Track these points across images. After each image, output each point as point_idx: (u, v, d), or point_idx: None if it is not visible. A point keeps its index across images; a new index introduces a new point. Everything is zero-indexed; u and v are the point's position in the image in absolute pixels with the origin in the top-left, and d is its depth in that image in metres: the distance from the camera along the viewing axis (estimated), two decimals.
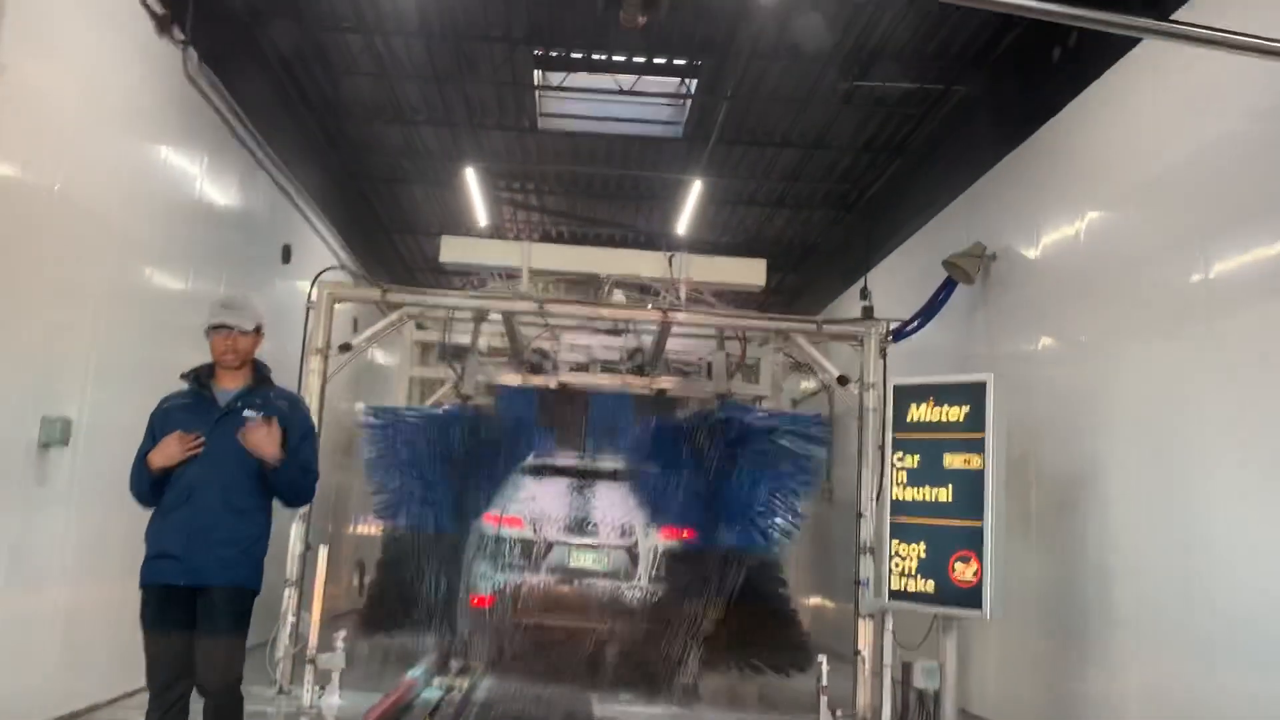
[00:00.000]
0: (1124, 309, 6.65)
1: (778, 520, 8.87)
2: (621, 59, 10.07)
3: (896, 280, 11.04)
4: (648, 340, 10.16)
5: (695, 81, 10.46)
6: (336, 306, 8.39)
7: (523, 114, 11.39)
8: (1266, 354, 5.24)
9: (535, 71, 10.54)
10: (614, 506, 8.86)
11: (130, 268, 6.94)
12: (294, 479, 4.37)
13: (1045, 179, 7.91)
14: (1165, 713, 5.86)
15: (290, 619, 7.58)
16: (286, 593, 7.63)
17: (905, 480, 6.95)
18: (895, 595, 6.92)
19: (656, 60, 9.99)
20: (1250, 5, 5.28)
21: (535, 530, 8.59)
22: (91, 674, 6.53)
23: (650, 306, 9.25)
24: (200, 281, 7.99)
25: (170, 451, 4.17)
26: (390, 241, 15.80)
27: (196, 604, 4.17)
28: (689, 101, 10.89)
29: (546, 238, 14.72)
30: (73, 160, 5.98)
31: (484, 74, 10.36)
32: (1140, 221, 6.63)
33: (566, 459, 9.50)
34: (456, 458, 9.28)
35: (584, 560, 8.52)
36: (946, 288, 8.98)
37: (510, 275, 10.26)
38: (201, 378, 4.41)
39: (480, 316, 9.95)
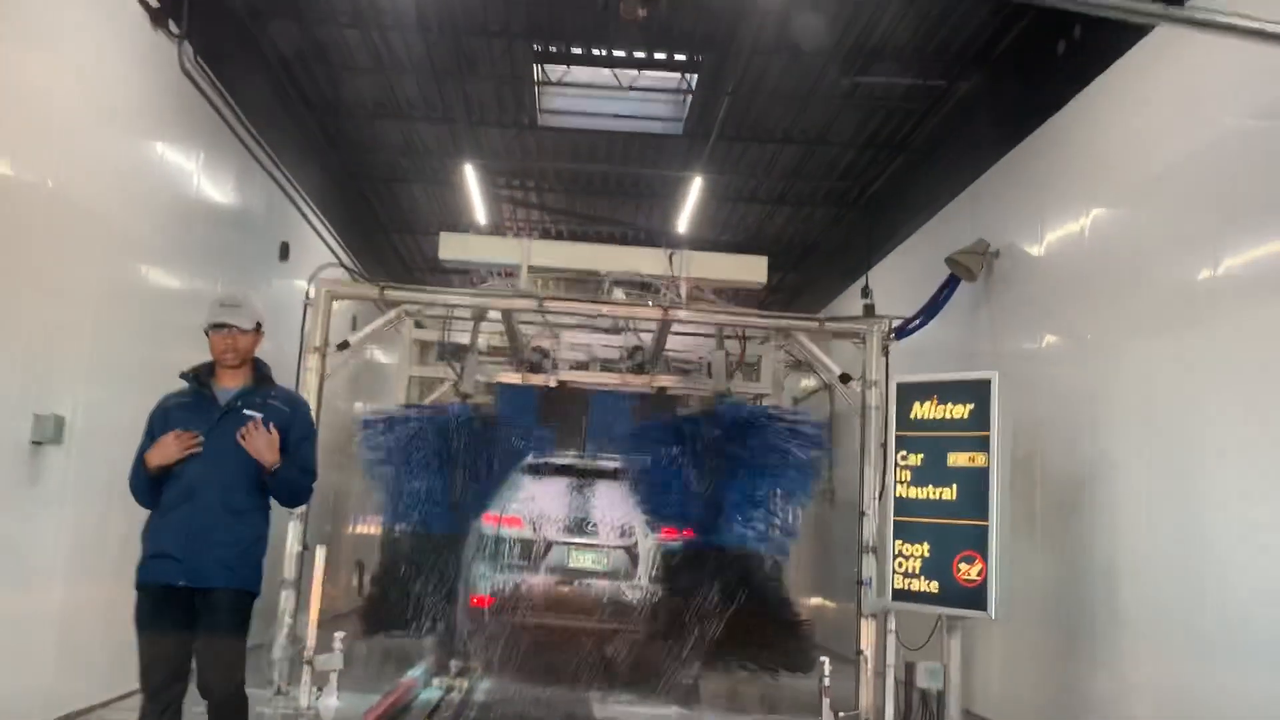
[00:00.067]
0: (1129, 306, 6.59)
1: (778, 520, 8.81)
2: (622, 54, 10.02)
3: (898, 279, 10.99)
4: (647, 339, 10.10)
5: (696, 77, 10.40)
6: (336, 305, 8.32)
7: (522, 111, 11.33)
8: (1275, 352, 5.17)
9: (535, 67, 10.48)
10: (614, 506, 8.81)
11: (124, 264, 6.88)
12: (292, 480, 4.34)
13: (1049, 175, 7.85)
14: (1171, 713, 5.80)
15: (288, 620, 7.51)
16: (284, 594, 7.56)
17: (909, 479, 6.89)
18: (899, 596, 6.86)
19: (657, 55, 9.94)
20: None
21: (535, 530, 8.54)
22: (85, 676, 6.46)
23: (650, 304, 9.19)
24: (196, 279, 7.93)
25: (168, 451, 4.14)
26: (389, 240, 15.73)
27: (195, 605, 4.13)
28: (689, 98, 10.83)
29: (546, 236, 14.66)
30: (64, 155, 5.91)
31: (483, 70, 10.31)
32: (1146, 218, 6.57)
33: (566, 458, 9.45)
34: (456, 457, 9.23)
35: (584, 560, 8.47)
36: (949, 285, 8.92)
37: (509, 273, 10.19)
38: (201, 377, 4.39)
39: (479, 315, 9.90)
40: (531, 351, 10.15)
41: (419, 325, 10.79)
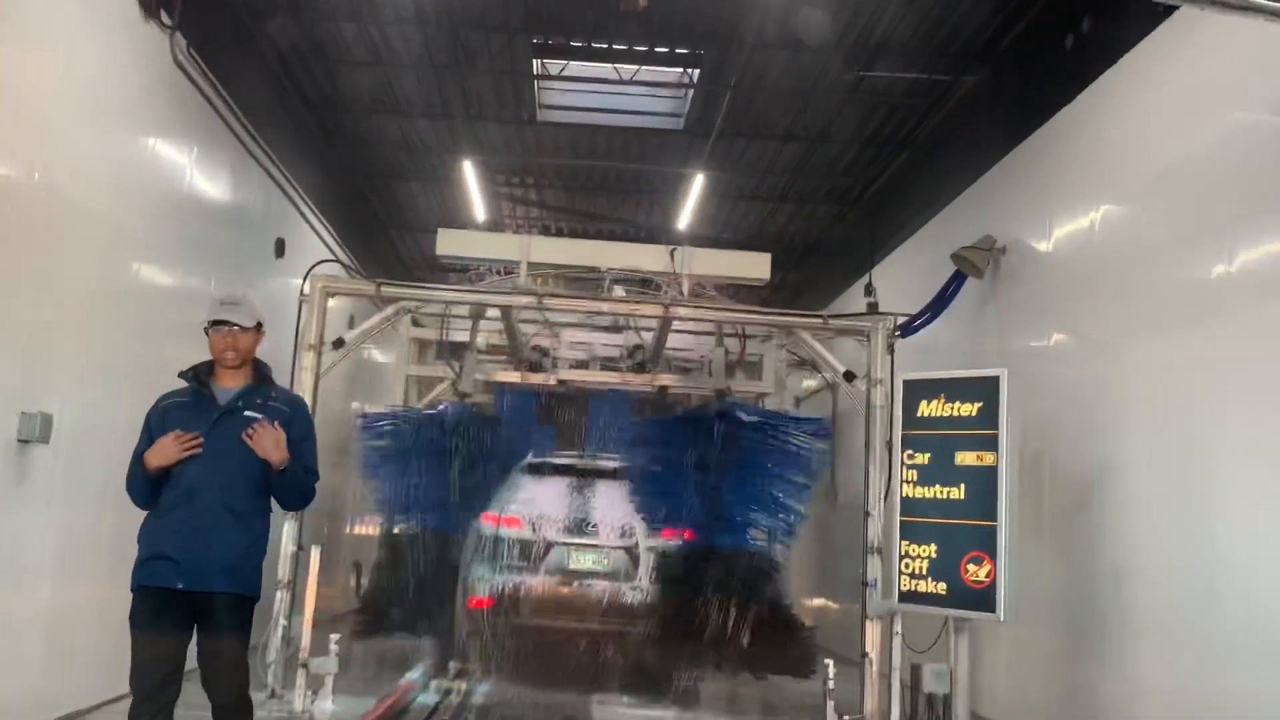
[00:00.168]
0: (1139, 303, 6.50)
1: (779, 520, 8.72)
2: (622, 48, 9.90)
3: (901, 277, 10.89)
4: (648, 337, 10.00)
5: (697, 72, 10.29)
6: (332, 302, 8.21)
7: (522, 106, 11.22)
8: None
9: (534, 61, 10.37)
10: (614, 506, 8.71)
11: (115, 260, 6.75)
12: (299, 480, 4.28)
13: (1056, 171, 7.76)
14: (1180, 716, 5.71)
15: (282, 622, 7.40)
16: (279, 595, 7.45)
17: (915, 478, 6.79)
18: (906, 597, 6.75)
19: (658, 49, 9.82)
20: None
21: (534, 530, 8.44)
22: (74, 679, 6.33)
23: (652, 296, 9.09)
24: (190, 276, 7.81)
25: (167, 451, 4.06)
26: (387, 238, 15.63)
27: (192, 608, 4.06)
28: (691, 92, 10.73)
29: (546, 233, 14.57)
30: (52, 148, 5.79)
31: (482, 64, 10.21)
32: (1155, 213, 6.48)
33: (566, 458, 9.35)
34: (454, 457, 9.13)
35: (584, 561, 8.37)
36: (955, 282, 8.81)
37: (508, 271, 10.08)
38: (200, 376, 4.31)
39: (478, 313, 9.79)
40: (531, 350, 10.05)
41: (416, 323, 10.70)
